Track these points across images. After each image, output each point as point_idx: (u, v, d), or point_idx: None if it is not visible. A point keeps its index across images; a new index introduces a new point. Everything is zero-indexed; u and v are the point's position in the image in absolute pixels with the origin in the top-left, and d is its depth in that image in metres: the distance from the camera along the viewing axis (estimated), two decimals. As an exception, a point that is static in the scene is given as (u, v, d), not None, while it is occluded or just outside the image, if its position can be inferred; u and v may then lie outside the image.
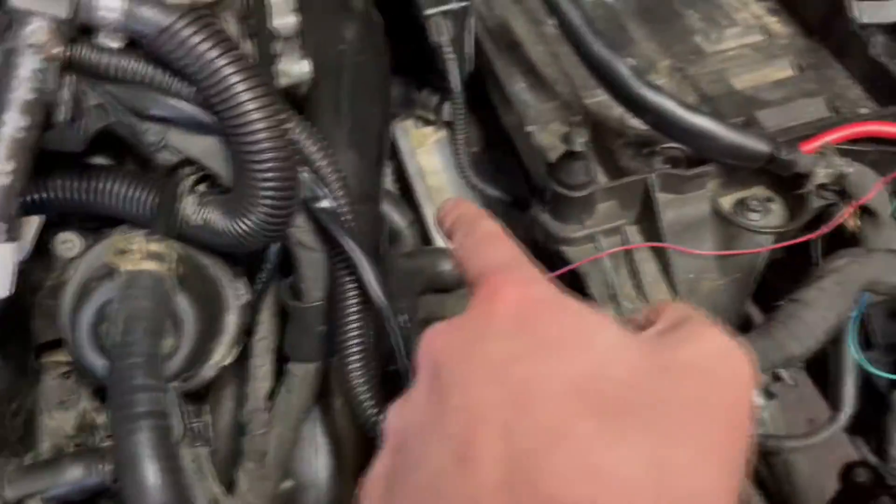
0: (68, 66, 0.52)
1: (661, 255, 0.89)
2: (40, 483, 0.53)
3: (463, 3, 0.97)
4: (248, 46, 0.67)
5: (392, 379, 0.74)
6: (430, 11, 0.96)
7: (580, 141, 0.79)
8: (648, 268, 0.90)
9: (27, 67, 0.50)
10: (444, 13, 0.96)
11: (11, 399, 0.62)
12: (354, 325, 0.63)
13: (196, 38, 0.52)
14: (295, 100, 1.00)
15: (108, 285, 0.57)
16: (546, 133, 0.93)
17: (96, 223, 0.70)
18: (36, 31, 0.50)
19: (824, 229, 0.85)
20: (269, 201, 0.57)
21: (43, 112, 0.50)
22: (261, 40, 0.64)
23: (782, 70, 1.01)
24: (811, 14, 1.02)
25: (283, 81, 0.78)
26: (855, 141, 0.87)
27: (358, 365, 0.64)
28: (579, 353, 0.40)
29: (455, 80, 0.96)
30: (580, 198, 0.84)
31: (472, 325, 0.43)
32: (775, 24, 1.05)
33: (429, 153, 1.16)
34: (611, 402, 0.37)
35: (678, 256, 0.89)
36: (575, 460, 0.35)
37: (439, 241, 1.11)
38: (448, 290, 1.01)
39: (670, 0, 1.09)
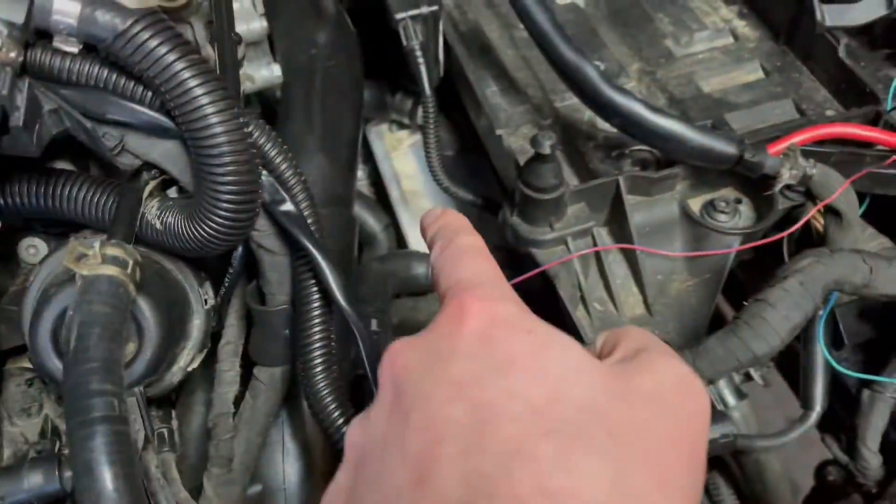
0: (23, 70, 0.51)
1: (630, 257, 0.90)
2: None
3: (433, 8, 0.98)
4: (209, 51, 0.67)
5: (360, 384, 0.74)
6: (400, 16, 0.97)
7: (548, 144, 0.79)
8: (618, 269, 0.90)
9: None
10: (415, 17, 0.97)
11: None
12: (317, 330, 0.63)
13: (153, 42, 0.52)
14: (269, 104, 1.00)
15: (67, 291, 0.57)
16: (516, 136, 0.94)
17: (62, 228, 0.69)
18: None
19: (789, 230, 0.86)
20: (229, 205, 0.57)
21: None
22: (223, 45, 0.64)
23: (750, 73, 1.02)
24: (778, 18, 1.03)
25: (249, 86, 0.78)
26: (821, 143, 0.88)
27: (320, 370, 0.64)
28: (540, 375, 0.40)
29: (425, 84, 0.96)
30: (549, 200, 0.84)
31: (437, 343, 0.43)
32: (744, 27, 1.06)
33: (404, 156, 1.16)
34: (570, 425, 0.37)
35: (647, 258, 0.89)
36: (533, 483, 0.35)
37: (413, 244, 1.11)
38: (422, 293, 1.01)
39: (641, 4, 1.10)
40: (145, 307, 0.59)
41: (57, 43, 0.52)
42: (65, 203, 0.60)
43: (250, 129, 0.58)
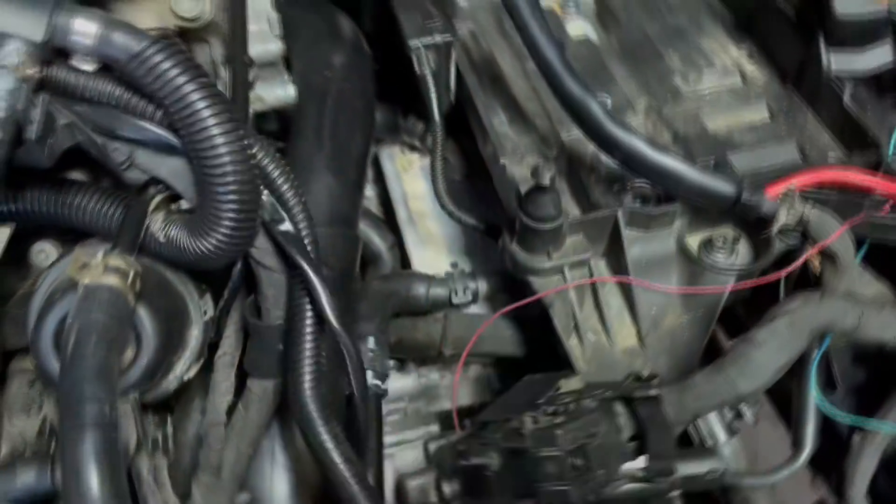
0: (41, 86, 0.54)
1: (625, 290, 0.91)
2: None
3: (446, 38, 1.00)
4: (223, 72, 0.70)
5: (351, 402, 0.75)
6: (414, 43, 0.99)
7: (549, 175, 0.81)
8: (613, 301, 0.92)
9: (0, 86, 0.53)
10: (428, 46, 0.99)
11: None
12: (308, 347, 0.65)
13: (165, 65, 0.54)
14: (283, 123, 1.03)
15: (70, 297, 0.59)
16: (520, 166, 0.95)
17: (74, 235, 0.72)
18: (11, 52, 0.52)
19: (785, 271, 0.87)
20: (230, 222, 0.59)
21: (14, 129, 0.53)
22: (236, 66, 0.66)
23: (756, 114, 1.03)
24: (786, 61, 1.04)
25: (259, 106, 0.81)
26: (820, 186, 0.89)
27: (308, 385, 0.66)
28: None
29: (434, 111, 0.98)
30: (548, 230, 0.86)
31: None
32: (752, 68, 1.08)
33: (413, 178, 1.18)
34: None
35: (643, 291, 0.90)
36: None
37: (417, 264, 1.13)
38: (421, 313, 1.02)
39: (652, 40, 1.12)
40: (144, 316, 0.61)
41: (74, 61, 0.55)
42: (74, 212, 0.62)
43: (254, 150, 0.60)
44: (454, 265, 1.07)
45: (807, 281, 0.89)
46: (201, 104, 0.55)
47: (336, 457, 0.65)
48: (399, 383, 1.10)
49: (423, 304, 1.02)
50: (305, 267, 0.62)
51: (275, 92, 0.90)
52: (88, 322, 0.52)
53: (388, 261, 1.13)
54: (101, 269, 0.54)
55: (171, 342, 0.65)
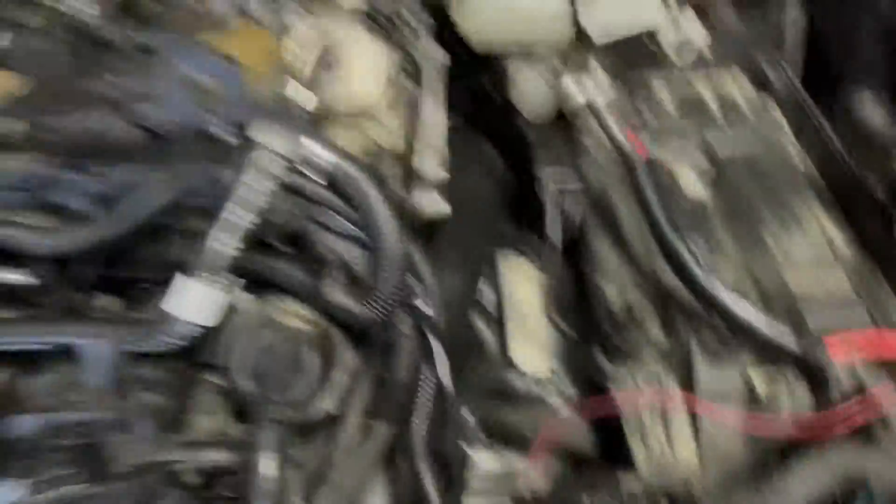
0: (283, 188, 0.79)
1: (692, 411, 1.05)
2: (186, 455, 0.77)
3: (577, 186, 1.21)
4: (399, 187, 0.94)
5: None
6: (545, 180, 1.21)
7: (629, 300, 0.99)
8: (679, 418, 1.05)
9: (249, 179, 0.78)
10: (557, 184, 1.21)
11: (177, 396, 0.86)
12: (425, 405, 0.84)
13: (363, 183, 0.78)
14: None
15: (265, 332, 0.82)
16: (616, 289, 1.13)
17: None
18: (262, 157, 0.77)
19: (839, 429, 0.96)
20: (385, 298, 0.81)
21: (255, 211, 0.77)
22: (410, 184, 0.90)
23: (837, 280, 1.15)
24: (869, 235, 1.17)
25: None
26: (884, 357, 0.99)
27: (421, 438, 0.85)
28: None
29: (553, 235, 1.18)
30: (627, 346, 1.03)
31: None
32: (839, 237, 1.20)
33: (523, 283, 1.37)
34: None
35: (706, 415, 1.04)
36: None
37: (517, 359, 1.31)
38: (512, 401, 1.20)
39: (752, 200, 1.27)
40: (310, 354, 0.83)
41: (307, 171, 0.80)
42: (277, 273, 0.86)
43: (413, 250, 0.83)
44: (553, 370, 1.24)
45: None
46: (383, 213, 0.78)
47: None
48: (495, 463, 1.26)
49: (514, 395, 1.20)
50: (433, 339, 0.83)
51: (433, 206, 1.14)
52: (274, 352, 0.75)
53: (492, 350, 1.31)
54: (293, 315, 0.77)
55: (323, 379, 0.86)
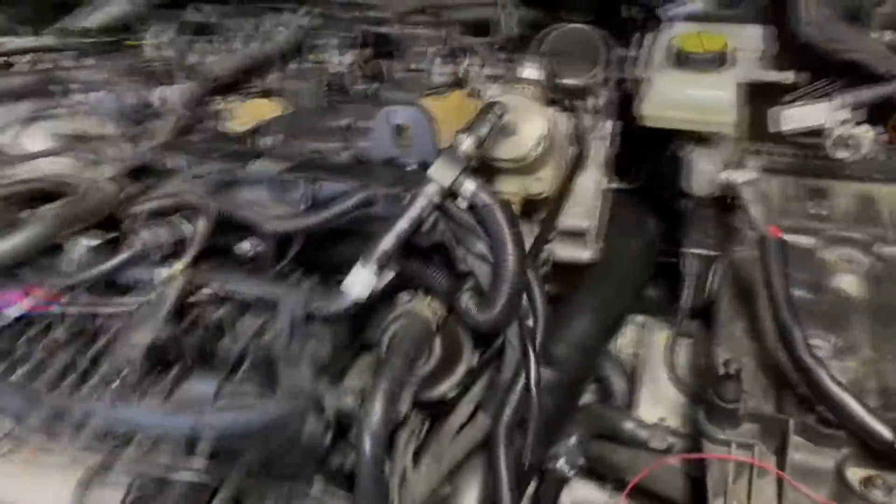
0: (436, 208, 1.03)
1: (779, 483, 1.10)
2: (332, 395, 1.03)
3: (716, 253, 1.33)
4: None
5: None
6: (687, 250, 1.34)
7: (734, 367, 1.09)
8: (765, 488, 1.11)
9: (420, 203, 1.03)
10: (696, 255, 1.33)
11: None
12: (512, 407, 1.03)
13: (497, 215, 1.00)
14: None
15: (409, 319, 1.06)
16: (730, 355, 1.22)
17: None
18: (431, 189, 1.02)
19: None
20: (503, 310, 1.01)
21: (417, 225, 1.02)
22: (545, 227, 1.11)
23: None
24: None
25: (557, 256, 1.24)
26: None
27: (504, 432, 1.03)
28: None
29: (684, 302, 1.31)
30: (727, 409, 1.11)
31: None
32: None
33: (657, 348, 1.49)
34: None
35: (793, 491, 1.09)
36: None
37: (641, 412, 1.42)
38: (618, 440, 1.32)
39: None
40: (436, 343, 1.06)
41: (458, 200, 1.04)
42: (425, 274, 1.10)
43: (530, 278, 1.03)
44: (662, 419, 1.35)
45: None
46: (509, 244, 1.00)
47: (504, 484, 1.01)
48: (593, 494, 1.39)
49: (624, 438, 1.32)
50: (531, 351, 1.01)
51: (573, 252, 1.33)
52: (407, 333, 0.98)
53: (618, 397, 1.44)
54: (426, 305, 1.00)
55: (445, 368, 1.08)
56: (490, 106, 1.09)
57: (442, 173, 1.03)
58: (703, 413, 1.17)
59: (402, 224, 1.01)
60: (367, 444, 0.91)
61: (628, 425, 1.33)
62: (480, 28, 1.60)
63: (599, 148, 1.38)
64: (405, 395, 1.05)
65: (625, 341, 1.58)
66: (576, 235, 1.34)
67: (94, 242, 1.11)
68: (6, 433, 1.03)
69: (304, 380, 1.01)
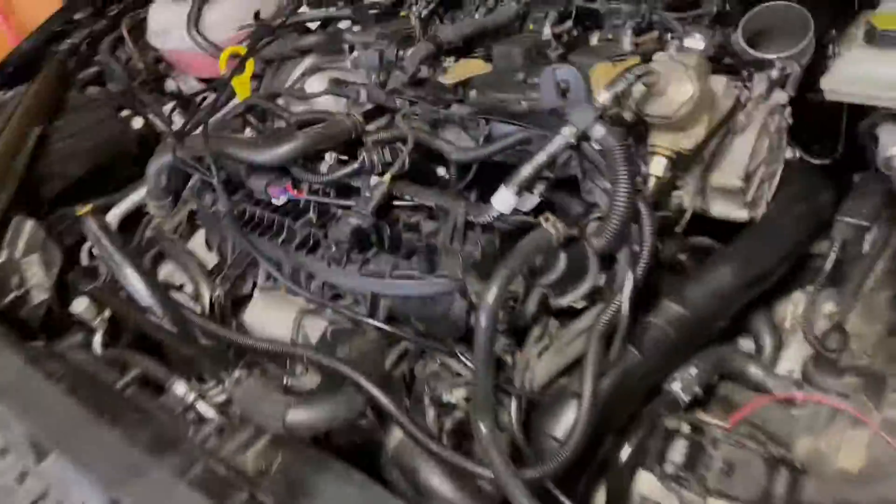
0: (572, 146, 1.27)
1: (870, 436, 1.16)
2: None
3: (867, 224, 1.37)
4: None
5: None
6: (841, 217, 1.40)
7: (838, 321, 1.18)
8: (857, 433, 1.18)
9: (557, 141, 1.28)
10: (849, 223, 1.39)
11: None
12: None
13: (617, 155, 1.21)
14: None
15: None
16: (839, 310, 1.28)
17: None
18: (568, 130, 1.27)
19: None
20: (612, 233, 1.23)
21: (553, 159, 1.28)
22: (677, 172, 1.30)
23: None
24: None
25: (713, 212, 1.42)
26: None
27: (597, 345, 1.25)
28: None
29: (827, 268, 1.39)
30: (831, 360, 1.20)
31: None
32: None
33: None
34: None
35: (882, 444, 1.14)
36: None
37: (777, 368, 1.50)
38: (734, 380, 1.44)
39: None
40: (562, 258, 1.31)
41: (592, 142, 1.27)
42: (555, 199, 1.35)
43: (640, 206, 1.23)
44: (791, 371, 1.43)
45: None
46: (622, 181, 1.21)
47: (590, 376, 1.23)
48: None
49: (751, 382, 1.43)
50: (629, 276, 1.22)
51: (727, 210, 1.46)
52: (531, 240, 1.24)
53: (765, 354, 1.53)
54: (551, 224, 1.26)
55: (573, 278, 1.33)
56: (631, 67, 1.29)
57: (578, 119, 1.26)
58: (811, 360, 1.26)
59: (541, 157, 1.27)
60: (483, 319, 1.19)
61: (754, 370, 1.43)
62: (692, 4, 1.75)
63: (766, 115, 1.48)
64: (533, 296, 1.33)
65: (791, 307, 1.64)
66: (730, 193, 1.46)
67: (337, 157, 1.55)
68: (269, 276, 1.54)
69: (457, 269, 1.34)
